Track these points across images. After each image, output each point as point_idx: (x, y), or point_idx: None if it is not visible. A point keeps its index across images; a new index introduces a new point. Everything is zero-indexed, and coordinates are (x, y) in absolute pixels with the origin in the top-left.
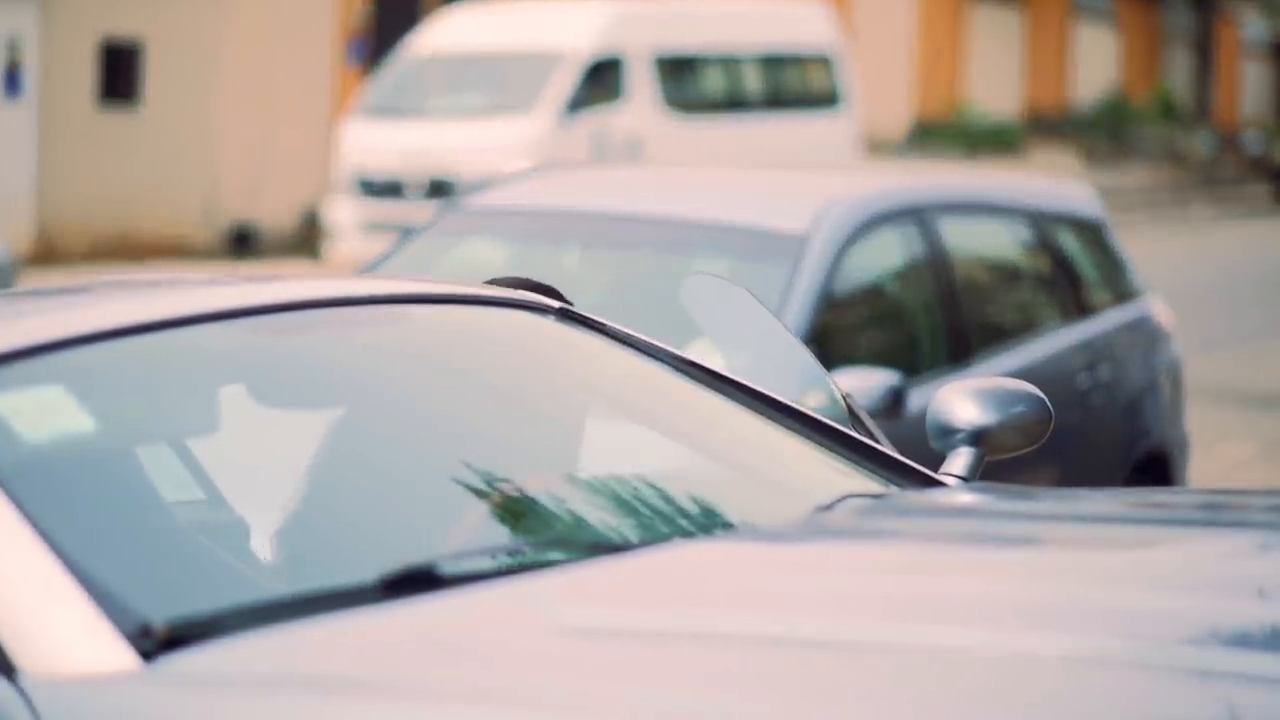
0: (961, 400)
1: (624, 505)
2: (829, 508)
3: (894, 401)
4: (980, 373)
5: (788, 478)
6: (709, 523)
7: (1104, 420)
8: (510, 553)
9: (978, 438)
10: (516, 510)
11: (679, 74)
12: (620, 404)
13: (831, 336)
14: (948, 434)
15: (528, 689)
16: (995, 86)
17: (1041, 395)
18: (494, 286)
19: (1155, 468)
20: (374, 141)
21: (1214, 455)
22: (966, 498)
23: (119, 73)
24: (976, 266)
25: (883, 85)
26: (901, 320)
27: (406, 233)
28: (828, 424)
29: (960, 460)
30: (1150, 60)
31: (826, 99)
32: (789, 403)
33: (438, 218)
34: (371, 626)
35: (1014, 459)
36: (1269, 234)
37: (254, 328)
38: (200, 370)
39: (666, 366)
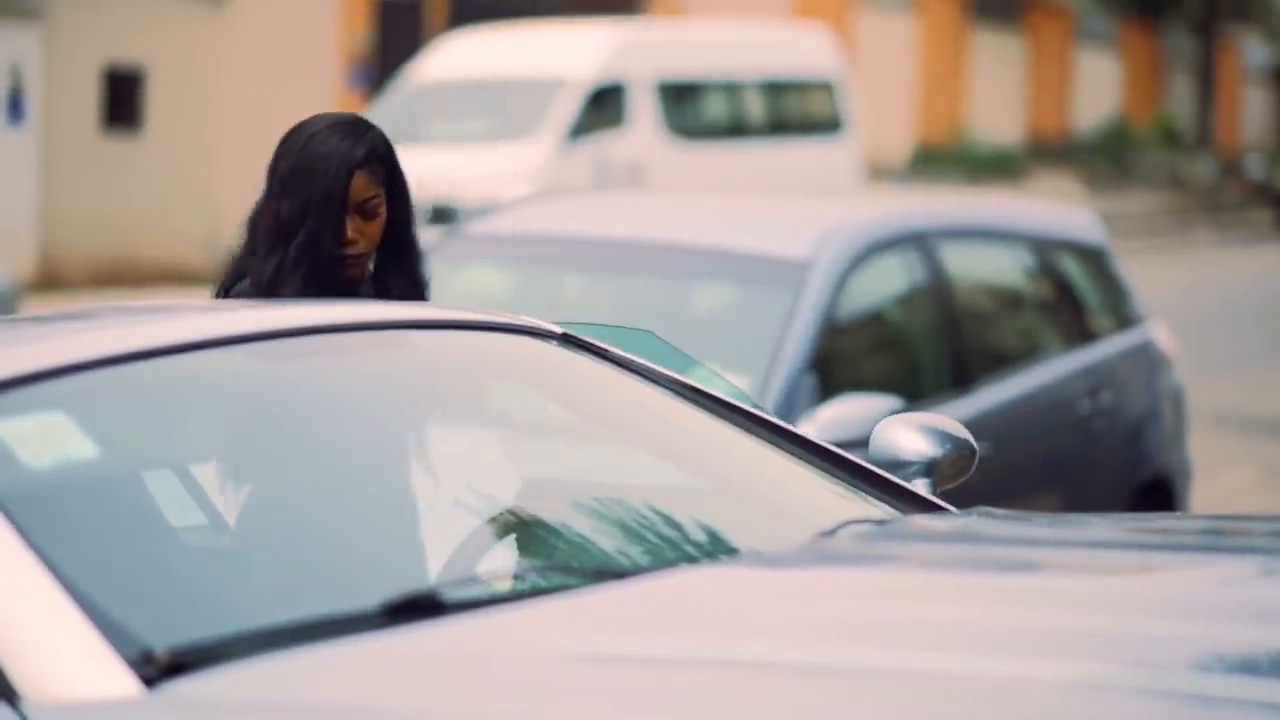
0: (907, 433)
1: (627, 531)
2: (831, 533)
3: None
4: (982, 399)
5: (790, 503)
6: (712, 548)
7: (1106, 446)
8: (514, 579)
9: (929, 469)
10: (520, 536)
11: (681, 100)
12: (622, 429)
13: (833, 362)
14: (898, 468)
15: (531, 716)
16: (997, 112)
17: (964, 430)
18: (496, 311)
19: (1157, 493)
20: None
21: (1216, 481)
22: (967, 524)
23: (121, 99)
24: (978, 292)
25: (884, 111)
26: (903, 346)
27: None
28: (830, 449)
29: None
30: (1152, 85)
31: (828, 125)
32: (791, 428)
33: (440, 244)
34: (374, 653)
35: (1016, 485)
36: (1271, 260)
37: (256, 353)
38: (202, 396)
39: (668, 392)
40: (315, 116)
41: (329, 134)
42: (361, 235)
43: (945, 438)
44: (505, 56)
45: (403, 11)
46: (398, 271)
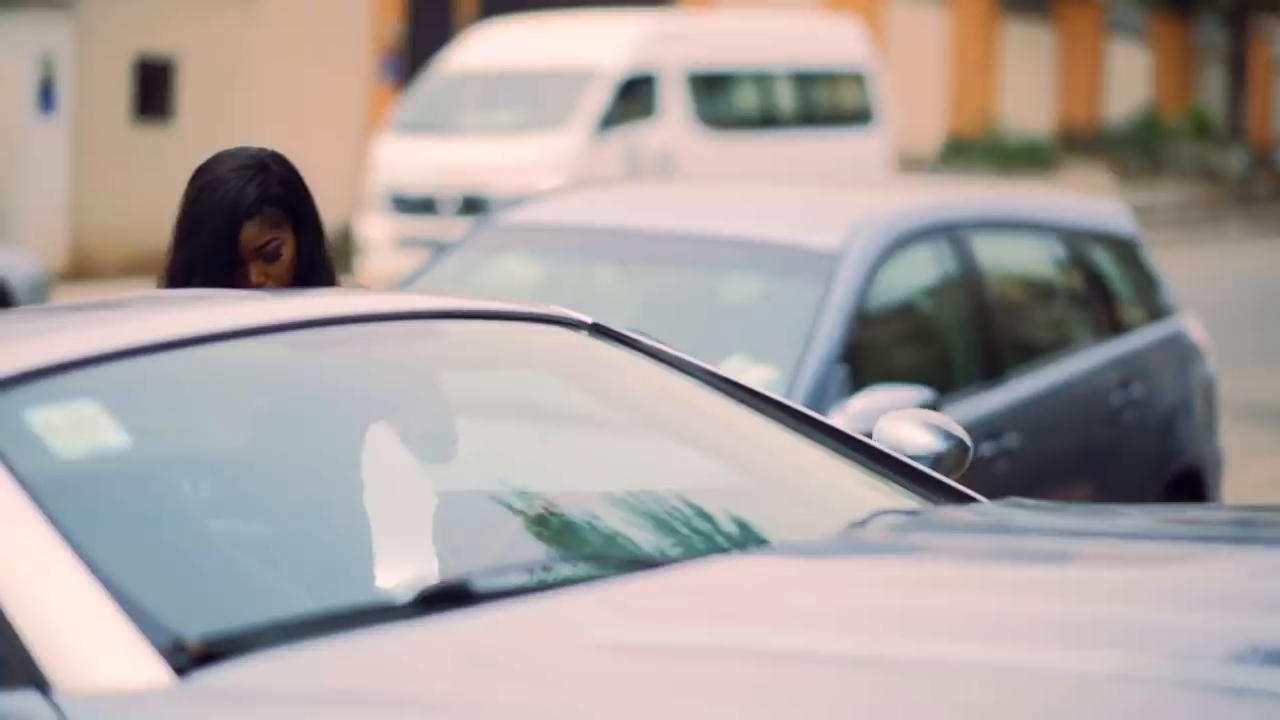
0: (911, 429)
1: (658, 521)
2: (862, 524)
3: None
4: (1014, 391)
5: (821, 493)
6: (743, 538)
7: (1138, 437)
8: (545, 569)
9: (934, 463)
10: (551, 526)
11: (712, 91)
12: (653, 420)
13: (865, 354)
14: None
15: (563, 706)
16: (1028, 103)
17: (959, 428)
18: (526, 301)
19: (1189, 485)
20: (407, 158)
21: (1247, 473)
22: (998, 514)
23: (152, 89)
24: (1010, 284)
25: (916, 102)
26: (935, 337)
27: (440, 249)
28: (861, 440)
29: None
30: (1183, 77)
31: (860, 116)
32: (822, 418)
33: (471, 234)
34: (406, 643)
35: (1047, 476)
36: None
37: (287, 343)
38: (234, 385)
39: (699, 382)
40: (219, 157)
41: (223, 181)
42: (267, 277)
43: (945, 434)
44: (536, 47)
45: (433, 2)
46: None
